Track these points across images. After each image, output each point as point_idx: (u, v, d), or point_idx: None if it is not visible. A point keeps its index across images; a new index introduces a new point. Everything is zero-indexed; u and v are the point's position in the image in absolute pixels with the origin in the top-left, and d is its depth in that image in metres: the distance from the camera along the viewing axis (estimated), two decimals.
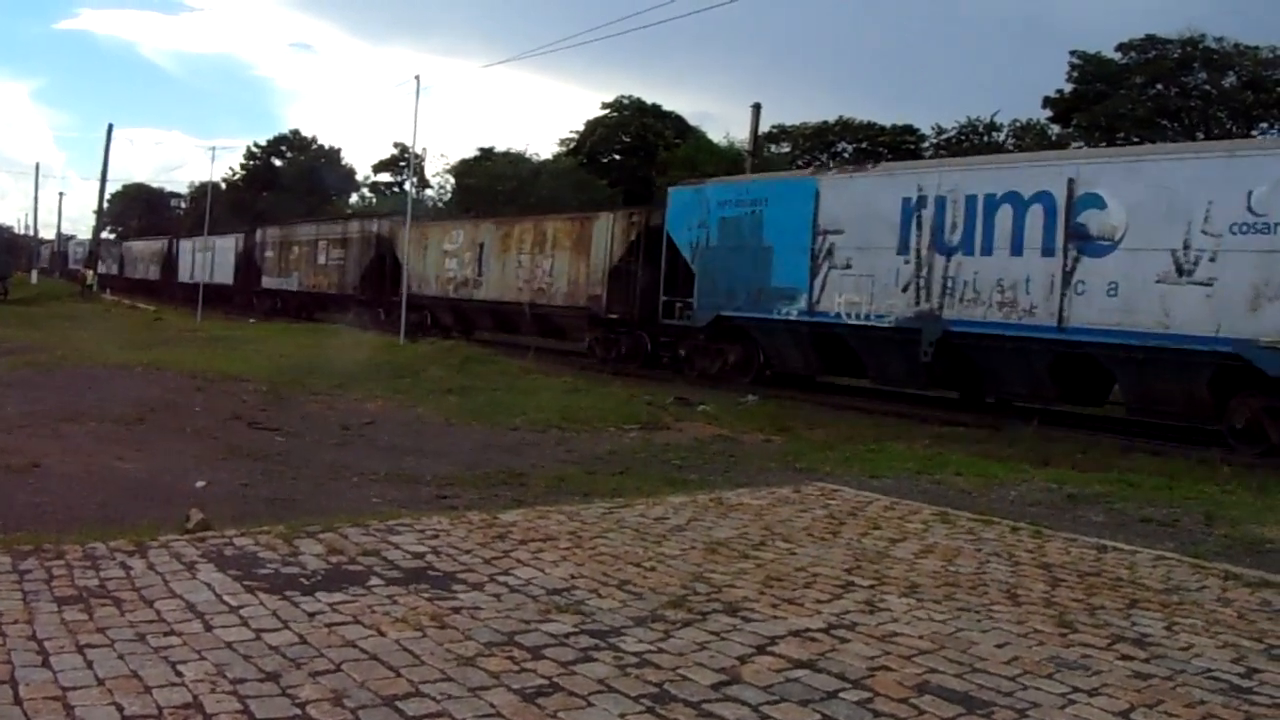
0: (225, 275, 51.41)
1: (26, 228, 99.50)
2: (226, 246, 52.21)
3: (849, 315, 19.60)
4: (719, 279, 22.58)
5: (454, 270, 32.76)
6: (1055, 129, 50.45)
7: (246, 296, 49.21)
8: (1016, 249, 16.87)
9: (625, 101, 64.78)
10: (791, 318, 20.84)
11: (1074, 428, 17.01)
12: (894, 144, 57.00)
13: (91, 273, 66.17)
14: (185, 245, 60.50)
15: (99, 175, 74.78)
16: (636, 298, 25.62)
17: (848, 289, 19.58)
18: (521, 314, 29.93)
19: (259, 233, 49.71)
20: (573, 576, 6.25)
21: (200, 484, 9.52)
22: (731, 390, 20.99)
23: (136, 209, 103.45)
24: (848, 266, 19.59)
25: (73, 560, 6.02)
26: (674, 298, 24.24)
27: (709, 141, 57.61)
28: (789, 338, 21.47)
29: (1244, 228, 14.15)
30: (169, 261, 63.65)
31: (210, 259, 51.45)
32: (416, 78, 44.32)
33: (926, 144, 56.79)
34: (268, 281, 47.29)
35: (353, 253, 39.18)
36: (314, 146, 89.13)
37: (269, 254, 47.27)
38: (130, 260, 76.04)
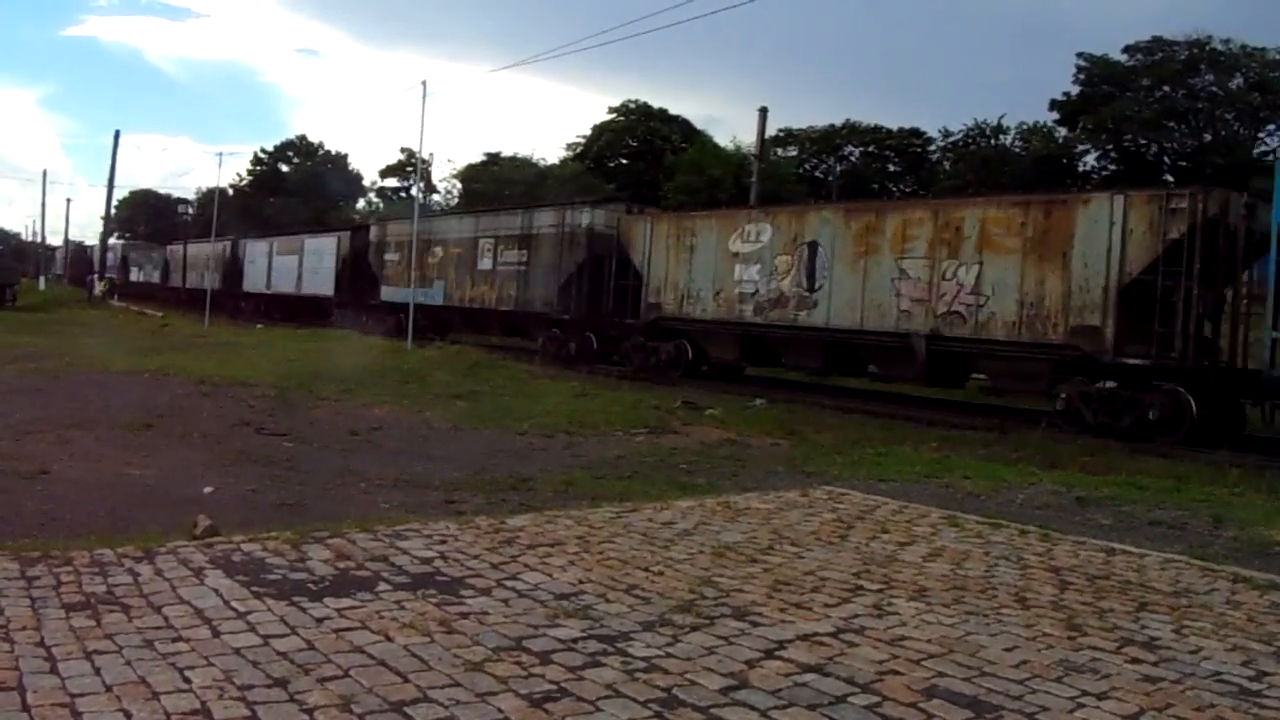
0: (320, 284, 42.41)
1: (34, 234, 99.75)
2: (323, 249, 43.07)
3: None
4: None
5: (752, 282, 22.80)
6: (1062, 131, 50.41)
7: (357, 312, 38.40)
8: None
9: (632, 106, 64.94)
10: None
11: (1082, 431, 16.96)
12: (900, 147, 56.99)
13: (100, 280, 66.41)
14: (256, 248, 51.57)
15: (106, 181, 74.09)
16: (1189, 335, 16.45)
17: None
18: (904, 353, 19.85)
19: (375, 229, 39.54)
20: (581, 581, 6.24)
21: (208, 490, 9.52)
22: (739, 393, 20.98)
23: (144, 215, 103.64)
24: None
25: (80, 567, 6.02)
26: None
27: (715, 145, 57.66)
28: None
29: None
30: (231, 267, 53.60)
31: (297, 264, 43.98)
32: (423, 83, 44.04)
33: (934, 147, 56.75)
34: (390, 293, 36.50)
35: (543, 254, 29.04)
36: (321, 152, 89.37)
37: (391, 256, 36.93)
38: (176, 265, 63.95)
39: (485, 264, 31.45)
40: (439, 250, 33.96)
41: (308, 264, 43.67)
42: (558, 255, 28.36)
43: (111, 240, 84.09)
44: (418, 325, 31.93)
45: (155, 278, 67.62)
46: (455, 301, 32.95)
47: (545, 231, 29.18)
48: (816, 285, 21.38)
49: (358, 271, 39.60)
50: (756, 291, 22.77)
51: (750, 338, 23.64)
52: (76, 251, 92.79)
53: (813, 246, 21.53)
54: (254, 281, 50.23)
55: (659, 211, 29.86)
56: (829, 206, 23.63)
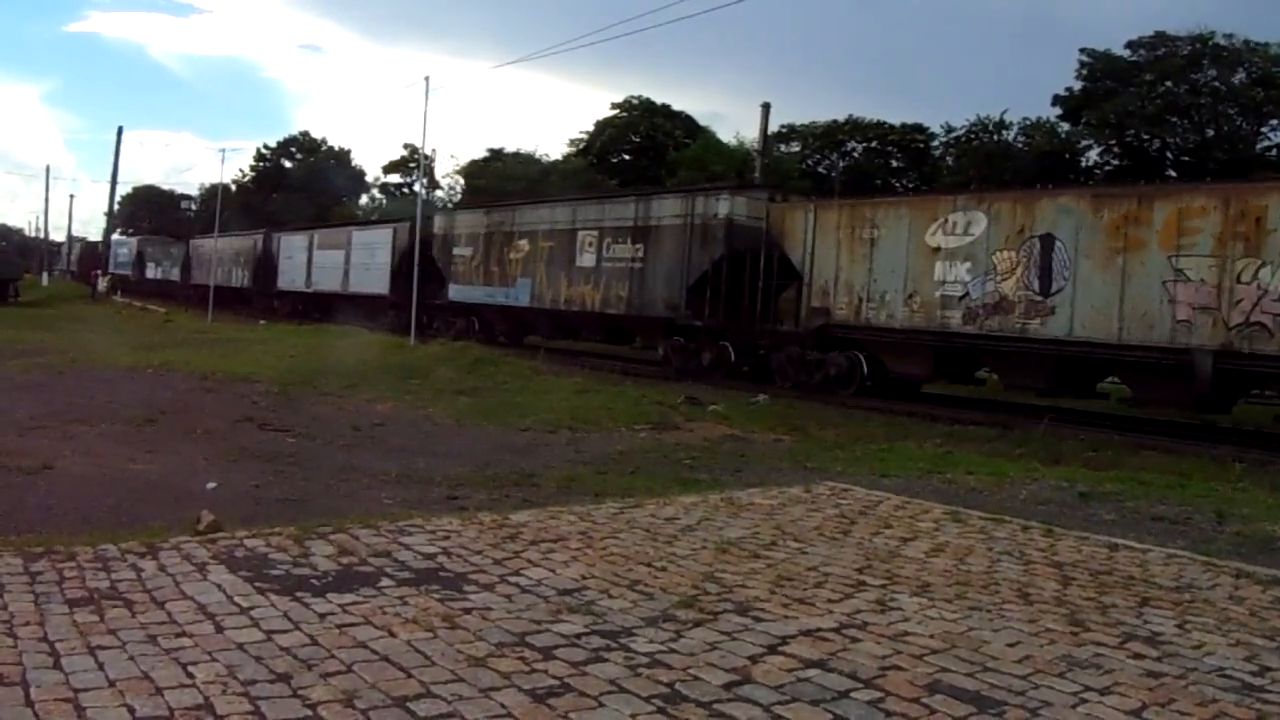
0: (372, 282, 38.13)
1: (37, 230, 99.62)
2: (376, 242, 38.61)
3: None
4: None
5: (960, 283, 19.15)
6: (1065, 127, 50.35)
7: (426, 313, 33.13)
8: None
9: (635, 101, 64.90)
10: None
11: (1084, 426, 16.96)
12: (903, 143, 56.96)
13: (104, 276, 66.31)
14: (292, 242, 47.23)
15: (109, 177, 73.88)
16: None
17: None
18: (1176, 372, 16.25)
19: (442, 220, 35.39)
20: (584, 577, 6.25)
21: (211, 485, 9.52)
22: (742, 389, 20.97)
23: (147, 211, 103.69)
24: None
25: (84, 562, 6.03)
26: None
27: (718, 141, 57.66)
28: None
29: None
30: (263, 263, 49.52)
31: (344, 259, 39.82)
32: (426, 79, 43.89)
33: (936, 143, 56.72)
34: (460, 292, 32.97)
35: (665, 249, 24.96)
36: (324, 148, 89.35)
37: (462, 251, 33.06)
38: (200, 261, 58.92)
39: (586, 260, 27.26)
40: (523, 244, 29.77)
41: (357, 259, 39.44)
42: (684, 250, 24.19)
43: (121, 236, 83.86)
44: (490, 329, 30.75)
45: (175, 275, 62.53)
46: (545, 303, 28.87)
47: (667, 223, 24.95)
48: (1053, 288, 17.70)
49: (421, 266, 34.06)
50: (966, 295, 18.93)
51: (952, 351, 19.81)
52: (86, 247, 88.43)
53: (1047, 241, 17.84)
54: (290, 278, 46.20)
55: (823, 199, 24.61)
56: (1069, 192, 19.26)
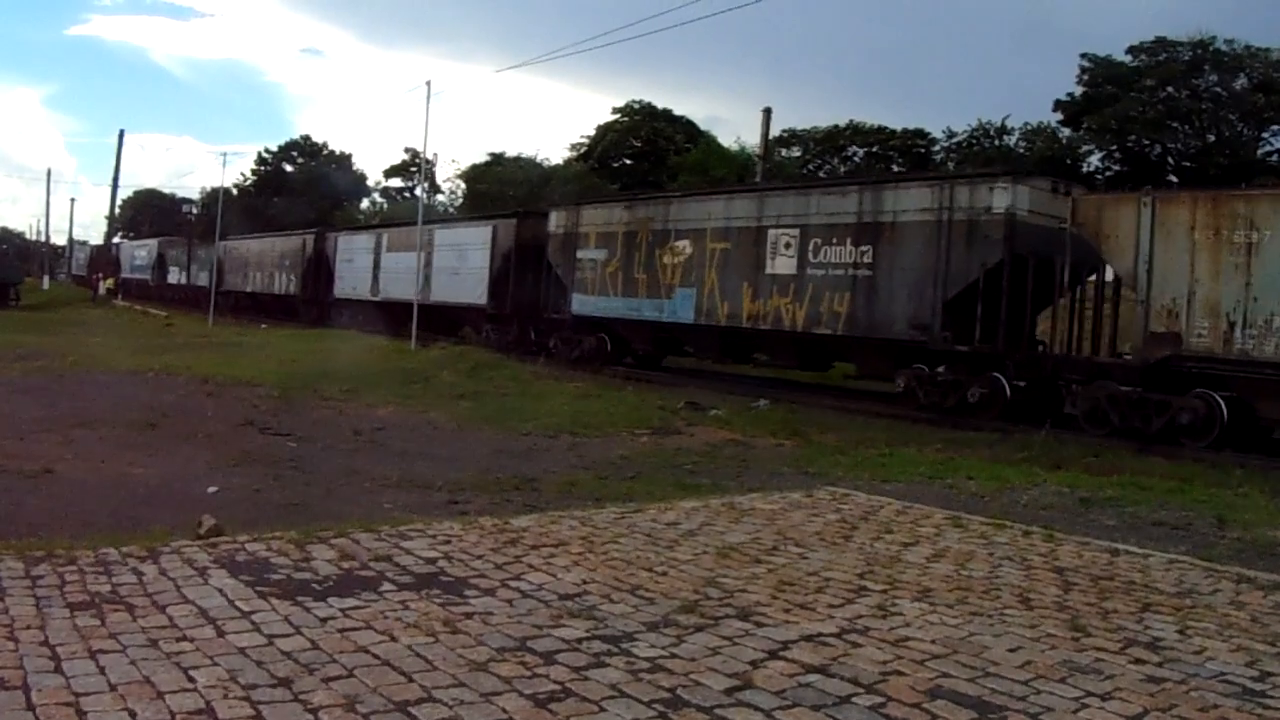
0: (464, 290, 32.06)
1: (38, 234, 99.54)
2: (468, 242, 32.30)
3: None
4: None
5: None
6: (1066, 132, 50.38)
7: (526, 327, 29.85)
8: None
9: (636, 106, 64.85)
10: None
11: (1086, 431, 16.94)
12: (904, 148, 56.97)
13: (104, 280, 66.18)
14: (353, 242, 41.22)
15: (110, 181, 73.56)
16: None
17: None
18: None
19: (559, 216, 28.47)
20: (585, 582, 6.25)
21: (212, 489, 9.53)
22: (743, 394, 20.94)
23: (148, 214, 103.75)
24: None
25: (85, 566, 6.03)
26: None
27: (720, 146, 57.70)
28: None
29: None
30: (314, 267, 43.55)
31: (422, 263, 33.14)
32: (428, 83, 43.81)
33: (938, 148, 56.74)
34: (587, 304, 26.72)
35: (906, 253, 19.50)
36: (325, 152, 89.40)
37: (591, 254, 26.75)
38: (234, 265, 52.99)
39: (781, 265, 21.58)
40: (684, 246, 23.95)
41: (441, 262, 33.37)
42: (938, 254, 18.90)
43: (138, 239, 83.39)
44: (624, 348, 26.11)
45: (202, 280, 54.78)
46: (717, 319, 22.95)
47: (910, 219, 19.57)
48: None
49: (528, 273, 29.62)
50: None
51: None
52: (98, 250, 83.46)
53: None
54: (351, 285, 39.97)
55: (1166, 191, 19.32)
56: None
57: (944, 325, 18.72)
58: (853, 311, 20.26)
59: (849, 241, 20.44)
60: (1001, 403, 18.18)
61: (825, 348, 21.83)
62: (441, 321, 33.75)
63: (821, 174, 55.27)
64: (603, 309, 26.32)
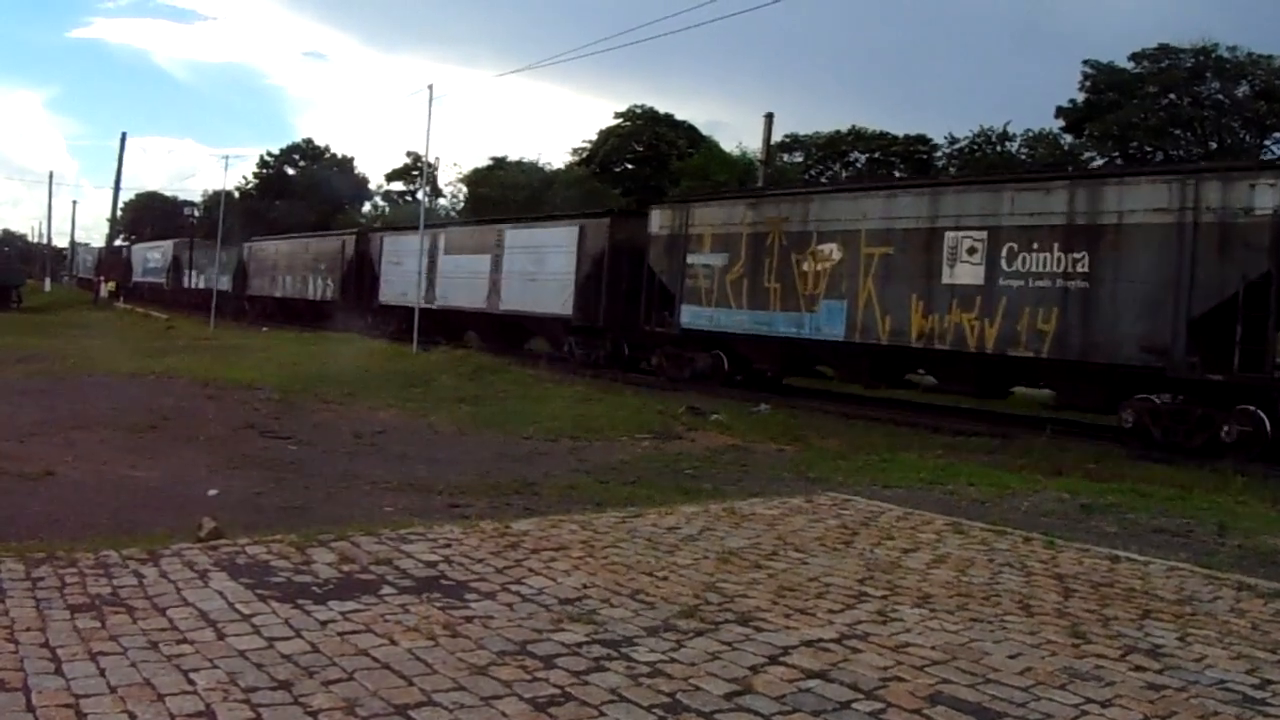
0: (543, 299, 28.88)
1: (40, 236, 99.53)
2: (548, 244, 29.28)
3: None
4: None
5: None
6: (1068, 139, 50.39)
7: (619, 339, 27.00)
8: None
9: (638, 111, 64.82)
10: None
11: (1086, 438, 16.95)
12: (906, 154, 56.99)
13: (105, 283, 66.12)
14: (400, 244, 37.58)
15: (112, 184, 73.27)
16: None
17: None
18: None
19: (663, 215, 25.33)
20: (585, 586, 6.25)
21: (212, 492, 9.53)
22: (744, 399, 20.92)
23: (150, 217, 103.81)
24: None
25: (85, 568, 6.04)
26: None
27: (722, 151, 57.61)
28: None
29: None
30: (355, 270, 40.43)
31: (491, 267, 31.05)
32: (430, 87, 43.90)
33: (939, 154, 56.76)
34: (700, 316, 23.69)
35: (1133, 261, 16.58)
36: (327, 155, 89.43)
37: (704, 258, 23.66)
38: (261, 268, 50.64)
39: (964, 274, 18.41)
40: (830, 250, 20.72)
41: (514, 266, 30.43)
42: (1179, 264, 15.86)
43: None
44: (743, 367, 23.21)
45: (224, 284, 51.58)
46: (877, 335, 19.81)
47: (1139, 221, 16.49)
48: None
49: (622, 280, 26.24)
50: None
51: None
52: (107, 253, 79.65)
53: None
54: (400, 291, 36.46)
55: None
56: None
57: (1189, 349, 15.64)
58: (1062, 330, 17.05)
59: (1056, 247, 17.27)
60: (1263, 442, 15.15)
61: (1017, 372, 19.04)
62: (511, 333, 31.40)
63: (823, 180, 55.20)
64: (721, 322, 22.98)
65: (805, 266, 21.08)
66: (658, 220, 25.18)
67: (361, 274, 39.72)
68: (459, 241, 34.12)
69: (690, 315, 23.73)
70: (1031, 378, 19.32)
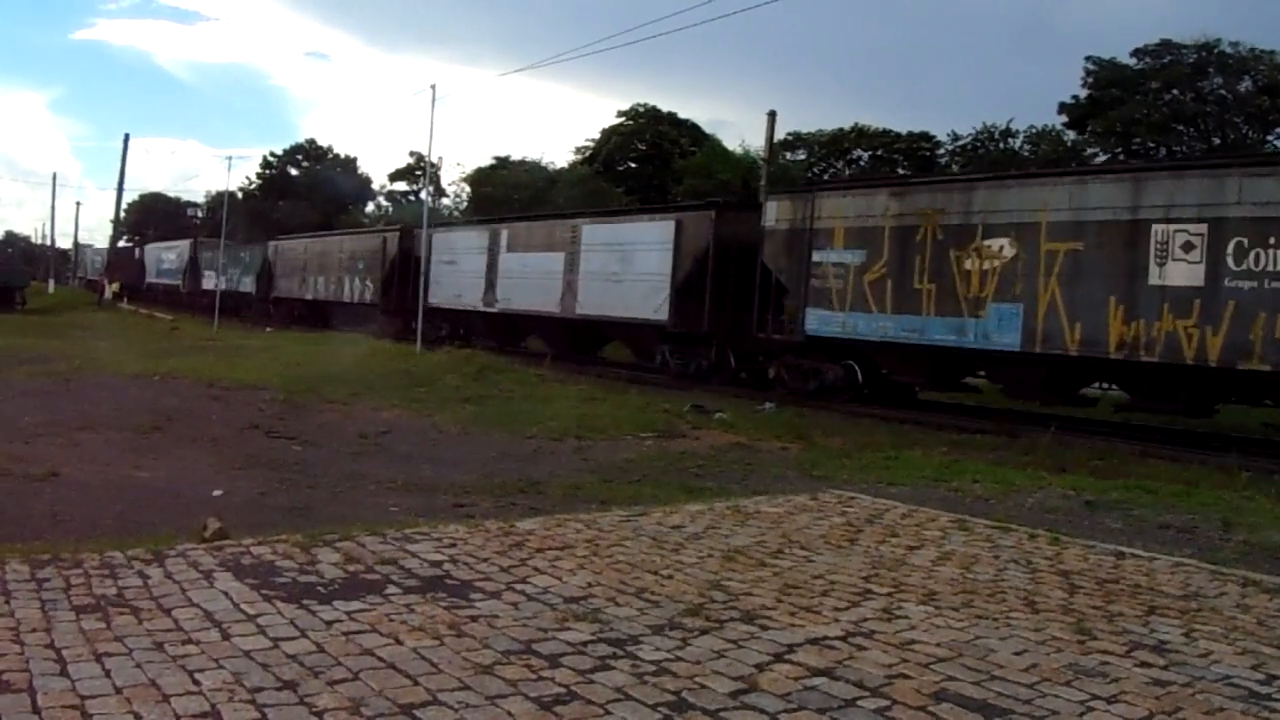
0: (632, 303, 25.73)
1: (43, 237, 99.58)
2: (640, 241, 25.98)
3: None
4: None
5: None
6: (1071, 135, 50.35)
7: (725, 349, 23.91)
8: None
9: (641, 109, 64.80)
10: None
11: (1091, 434, 16.94)
12: (909, 151, 56.95)
13: (109, 284, 66.05)
14: (455, 241, 34.37)
15: (115, 185, 73.21)
16: None
17: None
18: None
19: (780, 206, 22.06)
20: (590, 585, 6.25)
21: (217, 493, 9.54)
22: (748, 397, 20.87)
23: (153, 218, 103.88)
24: None
25: (90, 569, 6.04)
26: None
27: (724, 149, 57.59)
28: None
29: None
30: (399, 271, 36.94)
31: (565, 267, 28.07)
32: (432, 86, 43.81)
33: (942, 151, 56.73)
34: (829, 322, 20.59)
35: None
36: (330, 155, 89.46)
37: (834, 256, 20.54)
38: (288, 268, 47.54)
39: (1177, 274, 15.69)
40: (1001, 245, 17.88)
41: (592, 266, 27.18)
42: None
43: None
44: (881, 375, 20.62)
45: (247, 285, 50.61)
46: (1063, 345, 17.00)
47: None
48: None
49: (728, 280, 23.35)
50: None
51: None
52: (117, 253, 77.34)
53: None
54: (454, 292, 33.15)
55: None
56: None
57: None
58: None
59: None
60: None
61: (1243, 388, 16.40)
62: (587, 339, 28.93)
63: (826, 178, 55.17)
64: (858, 329, 20.05)
65: (968, 265, 18.28)
66: (774, 213, 22.03)
67: (406, 274, 36.22)
68: (524, 238, 30.73)
69: (817, 320, 20.72)
70: (1258, 394, 16.85)
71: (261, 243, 51.23)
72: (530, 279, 29.46)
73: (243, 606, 5.47)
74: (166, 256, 67.11)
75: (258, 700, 4.22)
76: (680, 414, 17.30)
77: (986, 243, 17.99)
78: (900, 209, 19.61)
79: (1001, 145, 52.97)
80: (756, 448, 14.37)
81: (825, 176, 55.29)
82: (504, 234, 31.46)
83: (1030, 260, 17.36)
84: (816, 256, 20.78)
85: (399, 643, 5.01)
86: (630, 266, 25.73)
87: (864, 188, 22.00)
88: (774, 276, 21.77)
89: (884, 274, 19.55)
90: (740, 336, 23.01)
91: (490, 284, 31.46)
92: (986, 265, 18.00)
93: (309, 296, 45.10)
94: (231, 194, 66.91)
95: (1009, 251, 17.71)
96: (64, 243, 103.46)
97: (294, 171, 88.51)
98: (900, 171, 52.61)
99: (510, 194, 58.14)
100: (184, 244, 64.38)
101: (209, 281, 53.37)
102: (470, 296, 31.71)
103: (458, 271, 33.15)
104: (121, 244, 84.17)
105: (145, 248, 76.15)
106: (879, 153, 58.38)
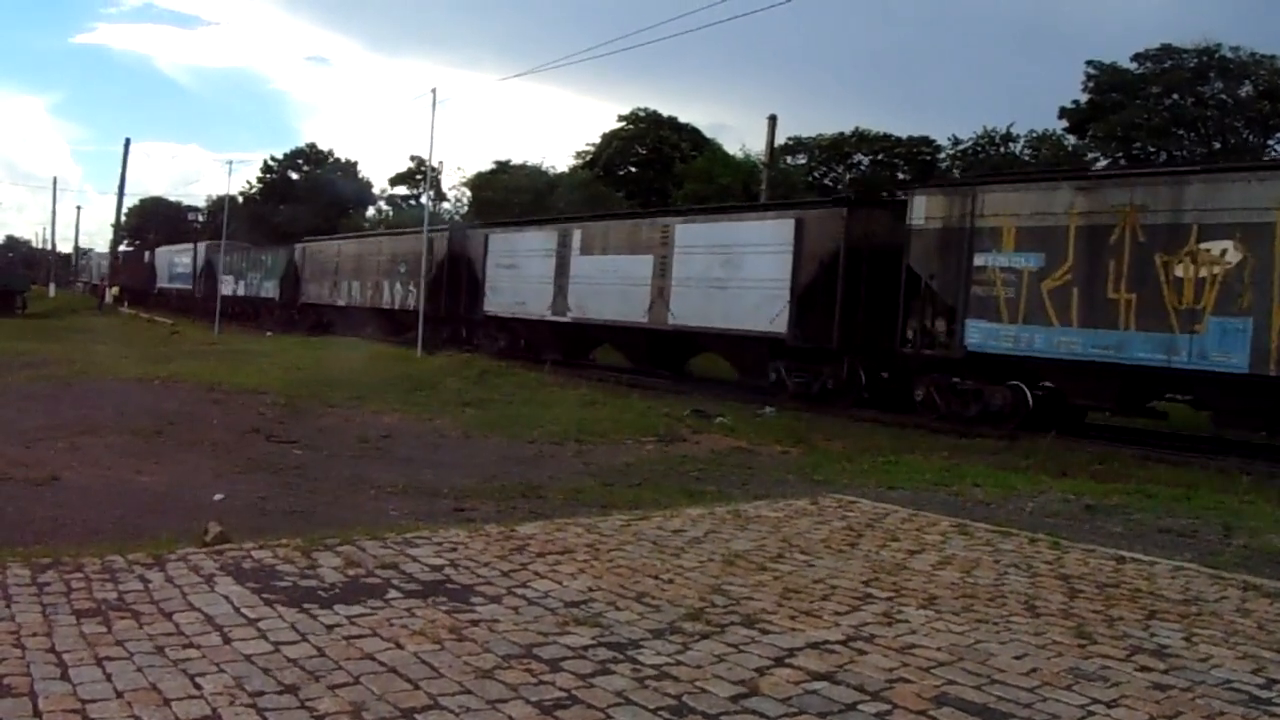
0: (739, 312, 22.45)
1: (44, 242, 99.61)
2: (749, 241, 22.65)
3: None
4: None
5: None
6: (1071, 139, 50.36)
7: (879, 370, 21.08)
8: None
9: (641, 114, 64.80)
10: None
11: (1091, 439, 16.93)
12: (910, 155, 56.97)
13: (109, 289, 66.07)
14: (515, 243, 30.99)
15: (116, 189, 73.26)
16: None
17: None
18: None
19: (928, 202, 19.09)
20: (591, 589, 6.25)
21: (218, 497, 9.55)
22: (748, 401, 20.85)
23: (154, 223, 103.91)
24: None
25: (91, 573, 6.04)
26: None
27: (725, 154, 57.63)
28: None
29: None
30: (447, 275, 33.54)
31: (656, 270, 24.71)
32: (433, 91, 43.93)
33: (943, 155, 56.75)
34: (999, 336, 17.68)
35: None
36: (330, 160, 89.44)
37: (1002, 259, 17.59)
38: (318, 273, 44.11)
39: None
40: (1221, 249, 15.14)
41: (687, 271, 23.84)
42: None
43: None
44: (1057, 399, 17.83)
45: (269, 291, 47.27)
46: None
47: None
48: None
49: (859, 287, 20.33)
50: None
51: None
52: (125, 256, 75.87)
53: None
54: (515, 299, 29.94)
55: None
56: None
57: None
58: None
59: None
60: None
61: None
62: (677, 352, 26.03)
63: (826, 182, 55.09)
64: (1034, 344, 17.12)
65: (1179, 271, 15.46)
66: (923, 209, 19.07)
67: (456, 278, 33.09)
68: (601, 239, 27.24)
69: (980, 334, 17.85)
70: None
71: (286, 245, 48.35)
72: (610, 285, 26.13)
73: (244, 610, 5.47)
74: (179, 260, 63.78)
75: (259, 704, 4.22)
76: (681, 418, 17.31)
77: (1203, 246, 15.25)
78: (1089, 206, 16.78)
79: (1002, 150, 52.99)
80: (757, 452, 14.38)
81: (825, 181, 55.33)
82: (576, 235, 28.01)
83: (1262, 267, 14.63)
84: (979, 260, 17.95)
85: (400, 647, 5.02)
86: (737, 271, 22.51)
87: (1041, 180, 19.10)
88: (924, 284, 18.99)
89: (1068, 281, 16.72)
90: (878, 352, 20.29)
91: (560, 290, 28.01)
92: (1204, 272, 15.21)
93: (341, 302, 41.16)
94: (232, 198, 66.87)
95: (1233, 256, 14.97)
96: (65, 247, 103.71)
97: (294, 176, 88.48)
98: (900, 176, 52.63)
99: (511, 198, 58.14)
100: (200, 246, 60.37)
101: (226, 287, 49.88)
102: (536, 304, 28.66)
103: (519, 277, 29.80)
104: (126, 248, 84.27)
105: (155, 251, 72.83)
106: (879, 157, 58.42)
